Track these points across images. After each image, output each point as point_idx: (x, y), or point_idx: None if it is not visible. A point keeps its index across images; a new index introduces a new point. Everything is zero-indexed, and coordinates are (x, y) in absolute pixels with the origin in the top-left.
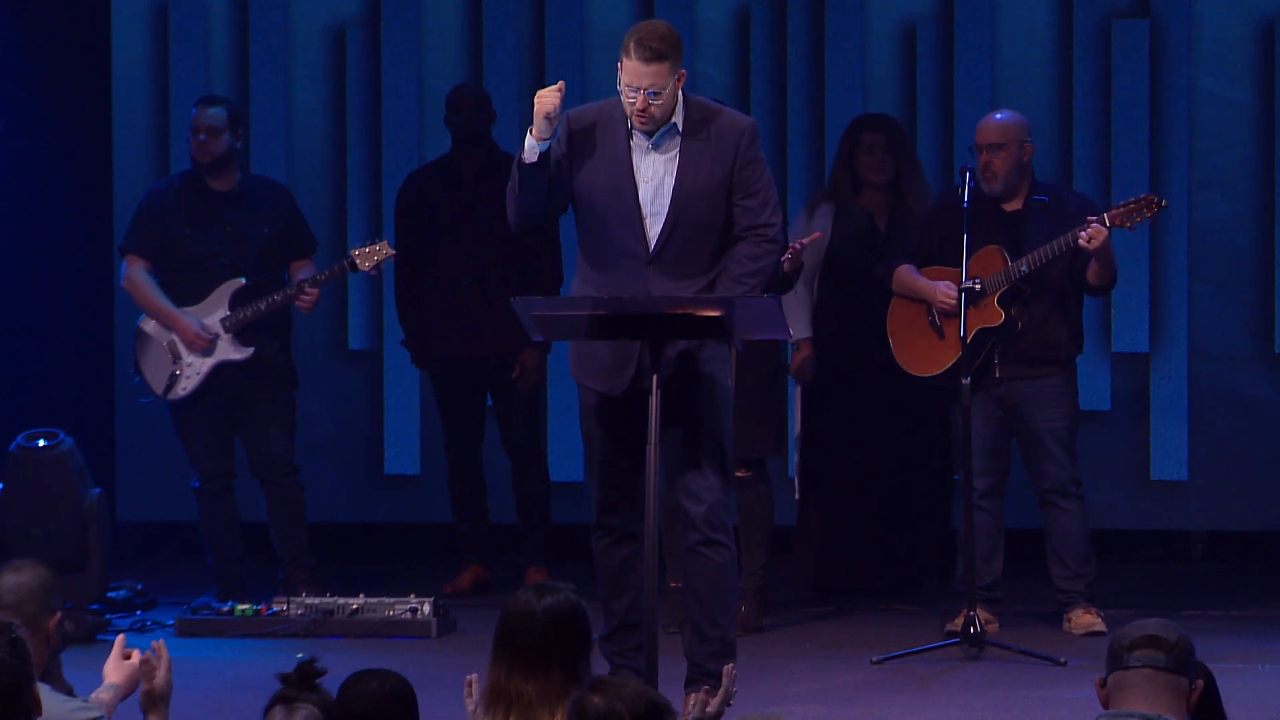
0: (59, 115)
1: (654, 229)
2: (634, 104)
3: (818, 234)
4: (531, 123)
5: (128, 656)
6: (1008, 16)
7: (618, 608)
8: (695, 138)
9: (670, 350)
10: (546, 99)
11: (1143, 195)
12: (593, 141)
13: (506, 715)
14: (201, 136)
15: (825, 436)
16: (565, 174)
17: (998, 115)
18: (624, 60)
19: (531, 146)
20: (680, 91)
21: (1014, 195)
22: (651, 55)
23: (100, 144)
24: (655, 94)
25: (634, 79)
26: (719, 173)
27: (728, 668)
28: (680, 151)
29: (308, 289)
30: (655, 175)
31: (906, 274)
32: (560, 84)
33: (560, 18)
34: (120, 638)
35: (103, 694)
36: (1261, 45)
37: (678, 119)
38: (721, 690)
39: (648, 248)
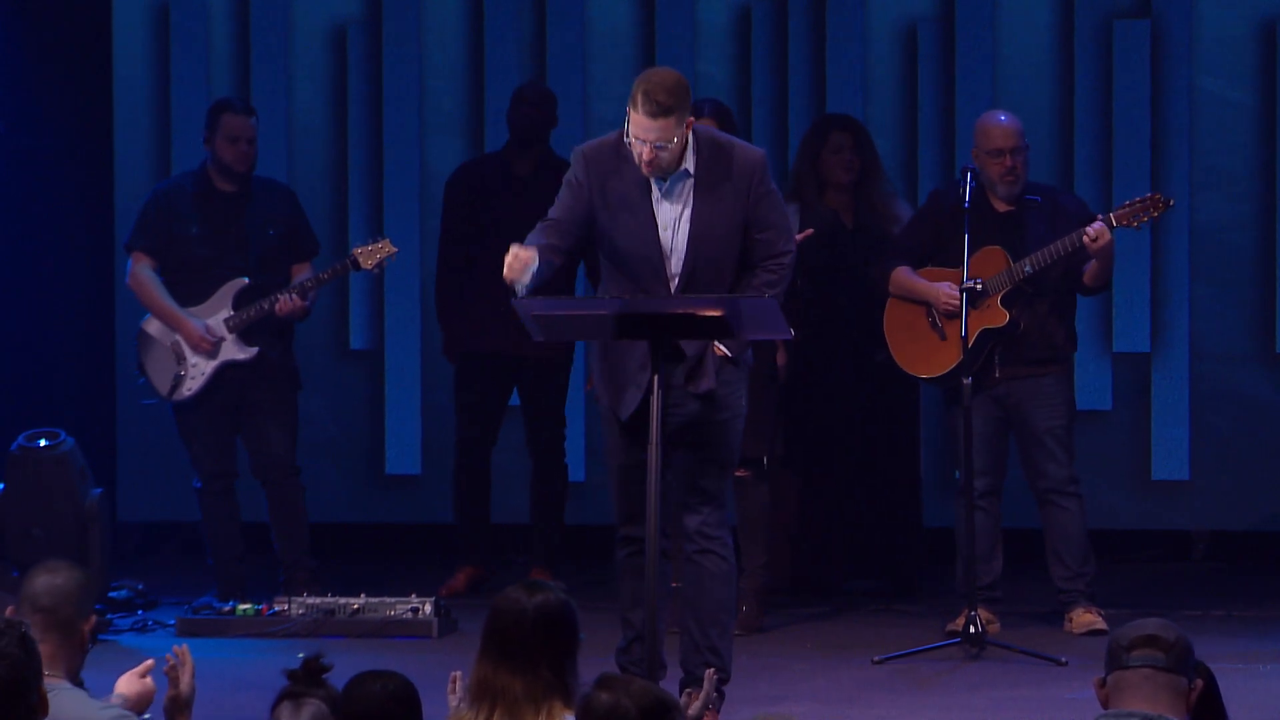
0: (60, 115)
1: (674, 271)
2: (641, 155)
3: (810, 230)
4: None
5: (144, 676)
6: (1008, 17)
7: (636, 620)
8: (707, 180)
9: (694, 387)
10: (515, 270)
11: (1149, 194)
12: (610, 181)
13: (492, 711)
14: (244, 146)
15: (794, 433)
16: (588, 206)
17: (1002, 117)
18: (631, 111)
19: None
20: (690, 131)
21: (1010, 196)
22: (658, 110)
23: (101, 144)
24: (661, 145)
25: (641, 132)
26: (734, 214)
27: (709, 672)
28: (694, 196)
29: (295, 295)
30: (671, 221)
31: (904, 275)
32: (533, 254)
33: (560, 18)
34: (149, 662)
35: (112, 699)
36: (1262, 45)
37: (689, 163)
38: (702, 693)
39: (669, 290)
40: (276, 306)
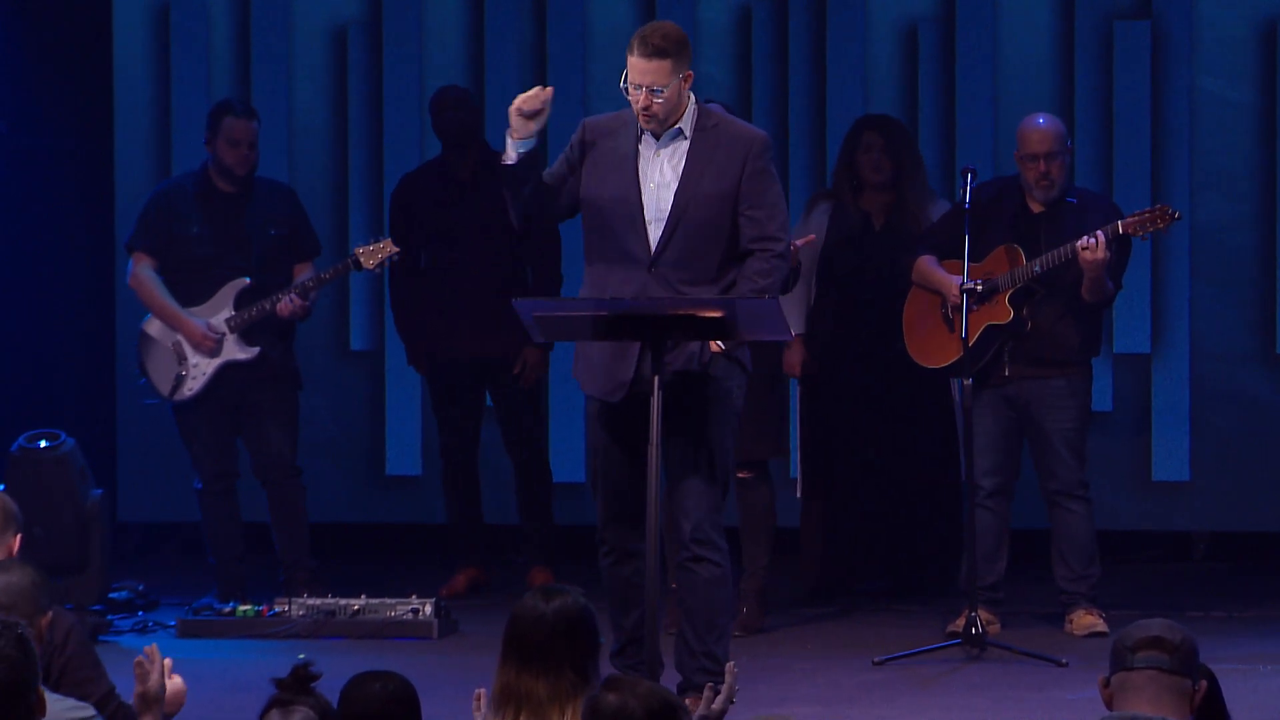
0: (60, 115)
1: (655, 233)
2: (637, 101)
3: (811, 236)
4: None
5: (169, 677)
6: (1009, 17)
7: (626, 624)
8: (702, 144)
9: (679, 363)
10: (523, 99)
11: (1158, 206)
12: (604, 148)
13: (517, 714)
14: (245, 150)
15: (823, 435)
16: (575, 179)
17: (1040, 120)
18: (629, 58)
19: (510, 145)
20: (693, 97)
21: (1047, 200)
22: (653, 51)
23: (102, 144)
24: (657, 90)
25: (636, 75)
26: (725, 181)
27: (729, 665)
28: (687, 156)
29: (295, 296)
30: (660, 180)
31: (926, 265)
32: (547, 90)
33: (561, 18)
34: (168, 661)
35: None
36: (1263, 46)
37: (686, 125)
38: (725, 687)
39: (649, 250)
40: (278, 307)
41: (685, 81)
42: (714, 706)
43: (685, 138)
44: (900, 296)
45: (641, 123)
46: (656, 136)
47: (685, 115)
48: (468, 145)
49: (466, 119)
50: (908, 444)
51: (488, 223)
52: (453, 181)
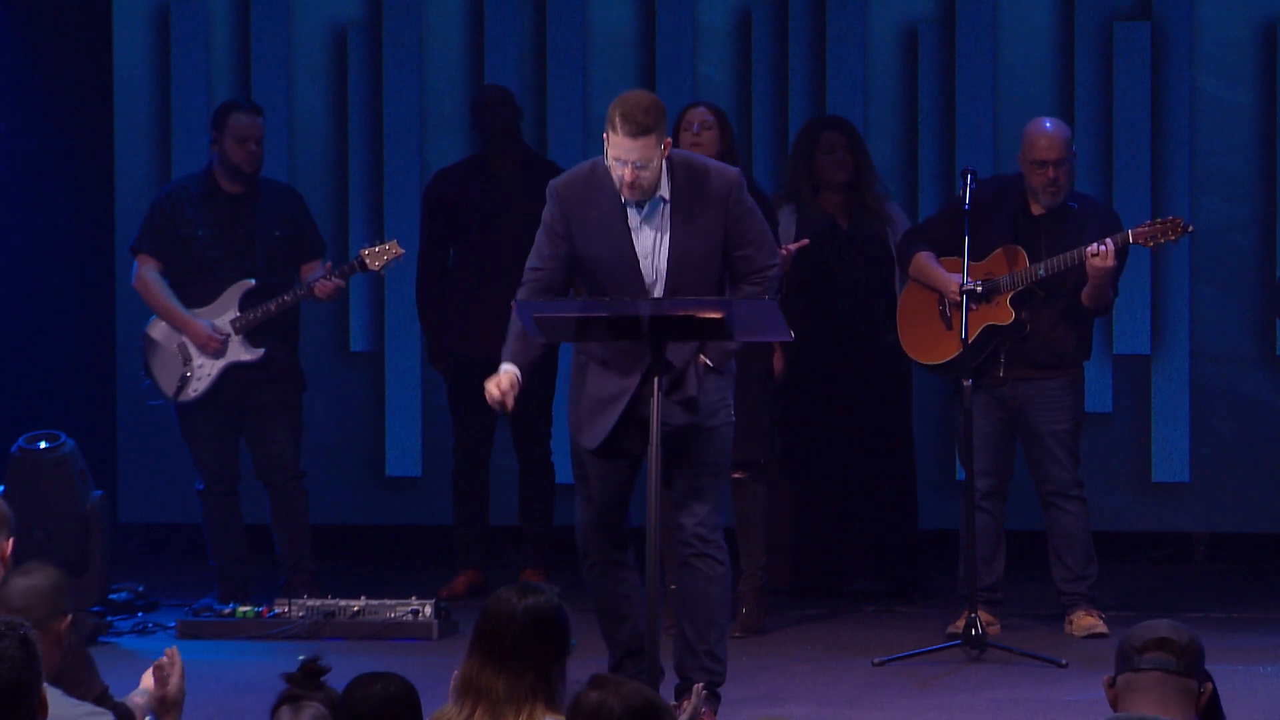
0: (60, 116)
1: (656, 294)
2: (623, 177)
3: (806, 240)
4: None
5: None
6: (1009, 19)
7: (620, 637)
8: (683, 206)
9: (676, 396)
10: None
11: (1170, 218)
12: (586, 211)
13: (474, 708)
14: (253, 146)
15: (791, 436)
16: (567, 243)
17: (1048, 125)
18: (609, 134)
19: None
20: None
21: (1052, 205)
22: (638, 130)
23: (102, 145)
24: (642, 165)
25: (621, 153)
26: (711, 237)
27: (697, 687)
28: (670, 220)
29: (320, 284)
30: (651, 248)
31: (925, 260)
32: (511, 376)
33: (561, 19)
34: (173, 649)
35: (136, 697)
36: (1263, 47)
37: (664, 190)
38: (690, 707)
39: None
40: (316, 289)
41: (665, 149)
42: None
43: (666, 202)
44: (871, 296)
45: (625, 195)
46: (640, 206)
47: (661, 179)
48: (509, 144)
49: (510, 118)
50: (875, 445)
51: (522, 222)
52: (493, 179)
